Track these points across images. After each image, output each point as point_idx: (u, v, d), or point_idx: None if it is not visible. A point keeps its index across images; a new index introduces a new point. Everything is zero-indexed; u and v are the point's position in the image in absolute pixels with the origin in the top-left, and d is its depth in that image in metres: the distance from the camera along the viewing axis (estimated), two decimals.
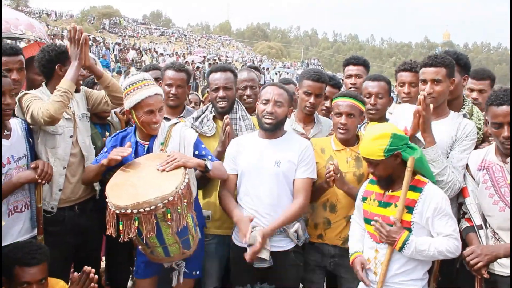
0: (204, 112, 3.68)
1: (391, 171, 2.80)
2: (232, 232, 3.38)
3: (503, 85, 3.39)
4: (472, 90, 4.00)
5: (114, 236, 2.82)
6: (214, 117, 3.65)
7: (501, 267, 2.82)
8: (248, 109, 3.83)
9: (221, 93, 3.58)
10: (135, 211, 2.68)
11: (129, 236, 2.74)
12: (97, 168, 3.15)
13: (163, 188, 2.76)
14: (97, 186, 3.61)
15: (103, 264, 4.31)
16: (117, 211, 2.73)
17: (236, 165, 3.29)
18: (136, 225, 2.71)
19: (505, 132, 2.72)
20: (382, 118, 3.64)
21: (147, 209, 2.68)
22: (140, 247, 3.05)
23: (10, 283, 2.66)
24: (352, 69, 4.45)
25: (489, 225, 2.93)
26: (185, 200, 2.82)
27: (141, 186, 2.83)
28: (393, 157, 2.76)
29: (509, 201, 2.81)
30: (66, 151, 3.37)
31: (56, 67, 3.38)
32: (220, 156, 3.43)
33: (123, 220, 2.73)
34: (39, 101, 3.17)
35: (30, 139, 3.27)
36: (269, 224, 3.11)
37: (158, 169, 2.91)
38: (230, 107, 3.64)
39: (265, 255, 3.04)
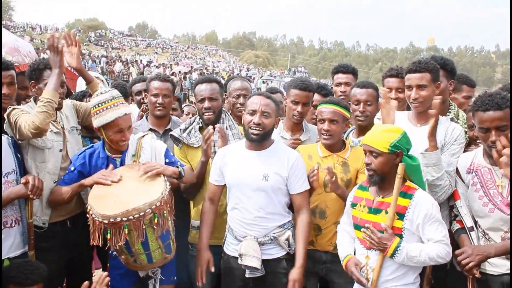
0: (192, 123, 3.69)
1: (387, 169, 2.79)
2: (223, 241, 3.38)
3: (488, 88, 3.49)
4: (469, 97, 4.11)
5: (100, 245, 2.88)
6: (200, 128, 3.65)
7: (492, 267, 2.87)
8: (240, 118, 3.85)
9: (206, 104, 3.60)
10: (124, 219, 2.77)
11: (119, 244, 2.80)
12: (74, 189, 3.21)
13: (150, 195, 2.89)
14: (86, 201, 3.58)
15: (94, 278, 4.27)
16: (105, 221, 2.78)
17: (223, 177, 3.27)
18: (127, 232, 2.77)
19: (492, 137, 2.78)
20: (371, 125, 3.67)
21: (136, 216, 2.78)
22: (122, 256, 3.06)
23: None
24: (341, 77, 4.52)
25: (480, 226, 2.97)
26: (168, 205, 2.96)
27: (125, 195, 2.92)
28: (395, 155, 2.78)
29: (498, 202, 2.86)
30: (56, 165, 3.36)
31: (30, 84, 3.43)
32: (204, 166, 3.46)
33: (111, 229, 2.79)
34: (26, 114, 3.15)
35: (19, 155, 3.24)
36: (259, 235, 3.12)
37: (141, 176, 3.05)
38: (216, 117, 3.65)
39: (256, 263, 3.04)
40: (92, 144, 3.48)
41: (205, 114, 3.61)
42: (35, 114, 3.08)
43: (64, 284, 3.95)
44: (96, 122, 3.16)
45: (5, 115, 3.20)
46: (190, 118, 4.00)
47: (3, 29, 8.43)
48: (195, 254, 3.54)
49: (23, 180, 3.07)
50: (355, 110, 3.68)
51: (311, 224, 3.21)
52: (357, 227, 2.95)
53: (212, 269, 3.22)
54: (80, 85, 5.25)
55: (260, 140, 3.12)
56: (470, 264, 2.78)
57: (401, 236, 2.76)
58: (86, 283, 2.74)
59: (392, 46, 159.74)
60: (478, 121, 2.85)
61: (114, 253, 3.23)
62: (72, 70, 3.78)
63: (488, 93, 2.93)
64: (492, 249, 2.81)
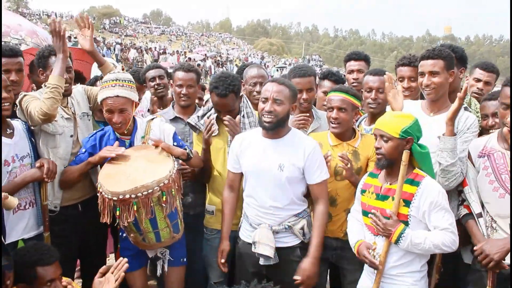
0: (210, 109, 3.68)
1: (396, 155, 2.78)
2: (239, 227, 3.40)
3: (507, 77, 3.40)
4: (478, 80, 3.99)
5: (109, 222, 2.97)
6: (217, 117, 3.62)
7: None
8: (257, 105, 3.87)
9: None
10: (133, 195, 2.84)
11: (128, 221, 2.88)
12: (82, 167, 3.26)
13: (158, 173, 2.96)
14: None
15: (109, 261, 4.34)
16: (114, 198, 2.86)
17: (240, 164, 3.28)
18: (135, 209, 2.85)
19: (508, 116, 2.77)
20: (383, 112, 3.64)
21: (145, 193, 2.85)
22: (131, 235, 3.12)
23: (32, 286, 2.67)
24: (353, 65, 4.50)
25: (488, 212, 2.94)
26: (176, 184, 3.02)
27: (134, 173, 2.98)
28: (405, 141, 2.77)
29: (509, 188, 2.82)
30: (67, 150, 3.41)
31: (39, 72, 3.48)
32: (206, 153, 3.49)
33: (120, 206, 2.87)
34: (36, 101, 3.20)
35: (32, 139, 3.30)
36: (273, 223, 3.14)
37: (150, 155, 3.13)
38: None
39: (269, 252, 3.05)
40: (103, 127, 3.52)
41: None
42: (43, 100, 3.13)
43: (78, 267, 4.03)
44: (98, 99, 3.27)
45: (17, 102, 3.25)
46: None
47: (19, 16, 8.50)
48: (209, 237, 3.60)
49: (37, 163, 3.14)
50: (367, 97, 3.68)
51: (327, 214, 3.20)
52: (365, 213, 2.96)
53: (223, 260, 3.28)
54: (95, 70, 5.28)
55: (273, 128, 3.07)
56: (491, 264, 2.75)
57: (407, 223, 2.76)
58: (104, 267, 2.78)
59: (408, 35, 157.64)
60: (502, 97, 2.84)
61: (124, 234, 3.31)
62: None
63: None
64: (509, 244, 2.75)
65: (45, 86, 3.19)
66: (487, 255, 2.76)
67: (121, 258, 2.83)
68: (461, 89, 3.61)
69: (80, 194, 3.50)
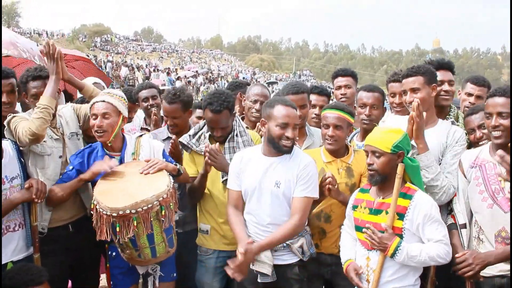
0: (202, 128, 3.67)
1: (388, 170, 2.81)
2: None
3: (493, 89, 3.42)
4: (470, 94, 4.03)
5: (108, 239, 2.95)
6: (210, 136, 3.60)
7: (484, 269, 2.86)
8: (253, 122, 3.97)
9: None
10: (133, 211, 2.84)
11: (128, 237, 2.86)
12: (73, 185, 3.25)
13: (156, 188, 2.98)
14: (87, 204, 3.59)
15: (102, 282, 4.28)
16: (114, 214, 2.84)
17: (240, 181, 3.25)
18: (135, 224, 2.85)
19: (492, 122, 2.86)
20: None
21: (145, 207, 2.86)
22: (127, 251, 3.09)
23: None
24: (341, 80, 4.54)
25: (476, 222, 2.98)
26: (173, 198, 3.05)
27: (131, 189, 2.99)
28: (396, 155, 2.81)
29: (498, 198, 2.86)
30: (56, 171, 3.37)
31: (22, 95, 3.51)
32: (204, 179, 3.44)
33: (120, 222, 2.86)
34: (25, 121, 3.18)
35: (22, 159, 3.27)
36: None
37: (142, 173, 3.12)
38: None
39: (267, 270, 3.04)
40: (90, 144, 3.49)
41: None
42: (32, 120, 3.12)
43: None
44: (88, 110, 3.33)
45: (5, 123, 3.23)
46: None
47: (5, 28, 8.43)
48: (204, 258, 3.56)
49: (26, 184, 3.11)
50: (361, 113, 3.71)
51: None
52: (358, 228, 2.96)
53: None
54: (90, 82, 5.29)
55: (291, 150, 3.12)
56: (469, 273, 2.79)
57: (401, 236, 2.77)
58: None
59: (398, 49, 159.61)
60: (485, 107, 2.95)
61: (114, 253, 3.29)
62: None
63: (504, 86, 3.00)
64: (492, 257, 2.80)
65: (36, 106, 3.18)
66: (469, 264, 2.79)
67: None
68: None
69: (70, 215, 3.46)
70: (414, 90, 3.20)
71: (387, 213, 2.80)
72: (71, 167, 3.30)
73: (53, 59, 3.28)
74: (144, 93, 4.92)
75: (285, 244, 3.12)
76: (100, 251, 3.83)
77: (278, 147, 3.08)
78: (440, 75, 3.47)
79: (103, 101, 3.22)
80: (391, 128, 2.96)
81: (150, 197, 2.88)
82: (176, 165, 3.35)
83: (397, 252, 2.72)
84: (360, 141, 3.76)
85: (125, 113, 3.35)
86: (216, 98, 3.42)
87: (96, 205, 2.96)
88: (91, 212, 3.06)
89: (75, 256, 3.49)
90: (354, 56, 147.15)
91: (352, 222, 3.03)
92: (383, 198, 2.87)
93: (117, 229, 2.87)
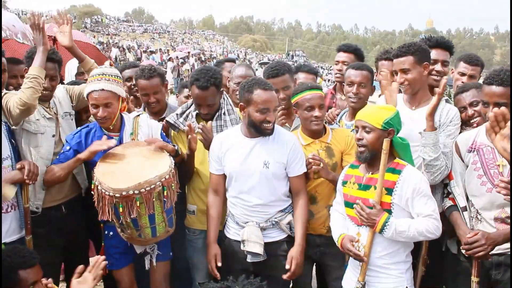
0: (190, 107, 3.64)
1: (378, 146, 2.80)
2: (223, 226, 3.38)
3: (486, 71, 3.38)
4: (463, 74, 4.01)
5: (111, 220, 3.01)
6: (197, 115, 3.59)
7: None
8: (238, 104, 3.84)
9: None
10: (136, 191, 2.87)
11: (132, 216, 2.89)
12: (71, 164, 3.22)
13: (158, 168, 2.99)
14: (82, 184, 3.59)
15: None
16: (117, 195, 2.86)
17: (222, 166, 3.25)
18: (138, 205, 2.87)
19: (489, 112, 2.75)
20: (363, 107, 3.65)
21: (148, 188, 2.88)
22: (128, 231, 3.10)
23: None
24: (340, 56, 4.50)
25: (473, 205, 2.97)
26: (175, 178, 3.07)
27: (133, 170, 3.01)
28: (386, 132, 2.80)
29: (496, 182, 2.81)
30: (49, 150, 3.37)
31: (23, 70, 3.48)
32: (191, 158, 3.44)
33: (123, 203, 2.88)
34: (16, 96, 3.16)
35: (13, 140, 3.25)
36: (261, 220, 3.14)
37: (144, 151, 3.15)
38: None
39: (258, 249, 3.06)
40: (87, 124, 3.48)
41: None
42: (22, 90, 3.11)
43: (62, 270, 3.98)
44: (84, 94, 3.29)
45: None
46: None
47: None
48: (192, 238, 3.57)
49: (18, 165, 3.09)
50: (349, 91, 3.68)
51: (308, 206, 3.23)
52: (348, 204, 2.97)
53: (219, 264, 3.20)
54: (69, 70, 5.19)
55: (273, 132, 3.12)
56: (481, 253, 2.78)
57: (390, 212, 2.78)
58: (81, 266, 2.74)
59: (391, 29, 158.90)
60: (483, 94, 2.89)
61: (111, 233, 3.31)
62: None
63: (499, 68, 2.93)
64: (501, 237, 2.79)
65: (25, 77, 3.18)
66: (482, 245, 2.77)
67: (98, 256, 2.80)
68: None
69: (63, 195, 3.46)
70: (404, 71, 3.18)
71: (375, 188, 2.80)
72: (68, 147, 3.28)
73: (39, 29, 3.28)
74: (127, 73, 4.59)
75: (274, 222, 3.15)
76: (90, 233, 3.83)
77: (260, 131, 3.08)
78: (435, 54, 3.44)
79: (103, 89, 3.16)
80: (384, 105, 2.99)
81: (153, 178, 2.91)
82: (174, 146, 3.34)
83: (385, 227, 2.73)
84: (349, 121, 3.75)
85: (124, 94, 3.34)
86: (203, 74, 3.39)
87: (97, 185, 2.96)
88: (91, 192, 3.07)
89: (67, 238, 3.50)
90: (347, 37, 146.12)
91: (342, 198, 3.04)
92: (372, 174, 2.88)
93: (120, 209, 2.89)
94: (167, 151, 3.21)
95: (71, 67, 5.14)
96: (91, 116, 3.96)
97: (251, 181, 3.13)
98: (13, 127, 3.24)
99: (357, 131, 2.90)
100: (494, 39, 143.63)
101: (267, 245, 3.12)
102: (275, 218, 3.17)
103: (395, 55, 3.27)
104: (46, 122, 3.39)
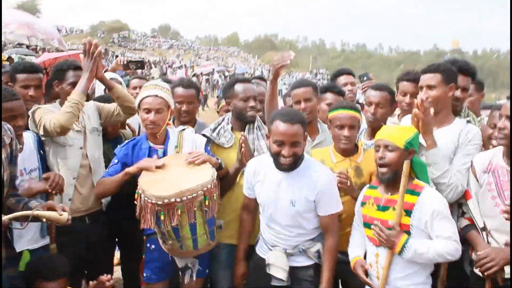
0: (221, 123, 3.72)
1: (399, 165, 2.81)
2: (255, 242, 3.40)
3: None
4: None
5: (153, 228, 3.03)
6: (232, 128, 3.66)
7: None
8: None
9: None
10: (178, 199, 2.88)
11: (173, 225, 2.91)
12: (120, 178, 3.29)
13: (201, 178, 3.02)
14: (103, 199, 3.67)
15: (115, 274, 4.35)
16: (159, 202, 2.89)
17: (254, 191, 3.26)
18: (179, 213, 2.89)
19: (499, 123, 2.85)
20: (381, 126, 3.64)
21: (189, 197, 2.90)
22: (169, 242, 3.13)
23: None
24: (344, 78, 4.74)
25: (486, 226, 2.95)
26: (217, 189, 3.09)
27: (175, 179, 3.05)
28: (407, 152, 2.83)
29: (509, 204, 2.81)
30: (76, 162, 3.46)
31: (54, 83, 3.58)
32: (237, 172, 3.49)
33: (165, 210, 2.90)
34: (51, 113, 3.29)
35: (42, 152, 3.35)
36: (288, 247, 3.12)
37: (187, 161, 3.18)
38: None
39: (282, 275, 3.06)
40: (134, 137, 3.62)
41: (249, 112, 3.64)
42: (62, 113, 3.22)
43: (83, 282, 4.04)
44: (136, 103, 3.44)
45: (29, 113, 3.31)
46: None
47: (23, 12, 8.64)
48: (216, 251, 3.54)
49: (44, 175, 3.17)
50: (367, 111, 3.71)
51: (336, 246, 3.12)
52: (367, 225, 2.97)
53: (244, 282, 3.27)
54: (99, 86, 5.35)
55: (291, 168, 3.02)
56: (494, 269, 2.75)
57: (409, 233, 2.77)
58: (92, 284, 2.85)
59: (415, 49, 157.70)
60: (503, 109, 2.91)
61: (153, 246, 3.35)
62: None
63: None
64: None
65: (66, 100, 3.29)
66: (493, 259, 2.76)
67: (101, 277, 2.89)
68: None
69: (87, 207, 3.53)
70: (430, 87, 3.18)
71: (394, 209, 2.81)
72: (116, 160, 3.39)
73: (91, 57, 3.37)
74: (134, 82, 5.06)
75: (301, 249, 3.13)
76: (114, 244, 3.90)
77: (277, 164, 3.03)
78: (458, 79, 3.39)
79: (156, 95, 3.30)
80: (405, 126, 3.03)
81: (195, 186, 2.93)
82: (217, 159, 3.39)
83: (404, 249, 2.73)
84: (368, 140, 3.75)
85: (173, 106, 3.46)
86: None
87: (141, 194, 3.01)
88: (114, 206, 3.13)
89: (90, 249, 3.55)
90: (371, 56, 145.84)
91: (361, 218, 3.04)
92: (391, 195, 2.88)
93: (162, 217, 2.92)
94: (211, 163, 3.25)
95: (99, 84, 5.30)
96: (116, 131, 4.12)
97: (279, 215, 3.12)
98: (43, 138, 3.35)
99: (378, 150, 2.91)
100: None
101: (293, 269, 3.11)
102: (303, 246, 3.14)
103: (423, 71, 3.27)
104: (75, 134, 3.48)
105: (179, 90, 3.92)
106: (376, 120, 3.66)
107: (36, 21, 6.51)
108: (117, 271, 4.48)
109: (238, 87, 3.59)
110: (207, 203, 2.98)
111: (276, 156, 2.99)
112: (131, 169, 3.26)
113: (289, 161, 2.96)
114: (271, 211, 3.14)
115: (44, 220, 2.57)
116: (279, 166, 3.02)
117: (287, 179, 3.08)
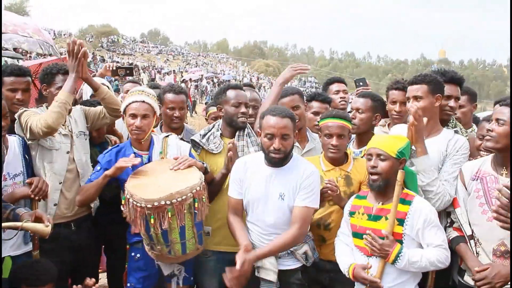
0: (211, 129, 3.70)
1: (391, 174, 2.84)
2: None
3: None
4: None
5: (143, 232, 3.00)
6: (221, 135, 3.66)
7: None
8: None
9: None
10: (168, 202, 2.87)
11: (163, 227, 2.89)
12: (99, 182, 3.22)
13: (189, 181, 3.02)
14: (93, 204, 3.62)
15: (101, 281, 4.29)
16: (149, 205, 2.87)
17: (242, 190, 3.22)
18: (170, 216, 2.88)
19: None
20: (368, 134, 3.65)
21: (179, 199, 2.89)
22: (158, 247, 3.09)
23: None
24: (336, 86, 4.73)
25: (474, 234, 2.96)
26: (205, 191, 3.09)
27: (163, 183, 3.03)
28: (399, 161, 2.85)
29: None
30: (62, 166, 3.42)
31: (41, 87, 3.57)
32: (224, 177, 3.45)
33: (155, 214, 2.89)
34: (37, 115, 3.24)
35: (27, 156, 3.29)
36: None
37: (172, 169, 3.16)
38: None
39: (272, 277, 3.04)
40: (118, 144, 3.58)
41: (240, 118, 3.62)
42: (49, 112, 3.19)
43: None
44: (121, 108, 3.40)
45: (16, 116, 3.28)
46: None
47: (10, 12, 8.63)
48: (204, 259, 3.53)
49: (28, 181, 3.12)
50: (355, 117, 3.73)
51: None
52: (357, 235, 2.96)
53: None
54: (85, 91, 5.33)
55: (282, 162, 3.07)
56: None
57: (401, 242, 2.79)
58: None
59: (403, 58, 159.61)
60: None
61: (138, 255, 3.32)
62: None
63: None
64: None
65: (54, 100, 3.27)
66: (489, 282, 2.73)
67: (90, 281, 2.87)
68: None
69: (73, 212, 3.49)
70: (416, 98, 3.21)
71: (386, 219, 2.81)
72: (99, 167, 3.33)
73: (76, 57, 3.35)
74: (127, 86, 5.04)
75: (289, 251, 3.12)
76: (100, 251, 3.85)
77: (268, 158, 3.07)
78: (449, 89, 3.39)
79: (143, 101, 3.28)
80: (397, 135, 3.03)
81: (184, 189, 2.92)
82: (203, 163, 3.38)
83: (398, 258, 2.74)
84: (357, 148, 3.76)
85: (158, 113, 3.43)
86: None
87: (129, 199, 2.98)
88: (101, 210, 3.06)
89: (75, 255, 3.50)
90: (360, 64, 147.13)
91: (350, 228, 3.03)
92: (382, 204, 2.89)
93: (151, 221, 2.89)
94: (197, 167, 3.24)
95: (86, 89, 5.27)
96: (101, 136, 4.08)
97: (267, 211, 3.11)
98: (29, 142, 3.30)
99: (370, 159, 2.92)
100: (507, 71, 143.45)
101: (281, 273, 3.09)
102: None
103: (410, 83, 3.31)
104: (62, 138, 3.44)
105: (170, 96, 3.91)
106: (356, 127, 3.66)
107: (26, 20, 6.58)
108: (103, 278, 4.43)
109: (230, 93, 3.60)
110: (196, 205, 2.99)
111: (267, 150, 3.03)
112: (109, 171, 3.20)
113: (279, 156, 3.00)
114: (261, 208, 3.13)
115: (29, 232, 2.53)
116: (270, 160, 3.05)
117: (276, 174, 3.10)
